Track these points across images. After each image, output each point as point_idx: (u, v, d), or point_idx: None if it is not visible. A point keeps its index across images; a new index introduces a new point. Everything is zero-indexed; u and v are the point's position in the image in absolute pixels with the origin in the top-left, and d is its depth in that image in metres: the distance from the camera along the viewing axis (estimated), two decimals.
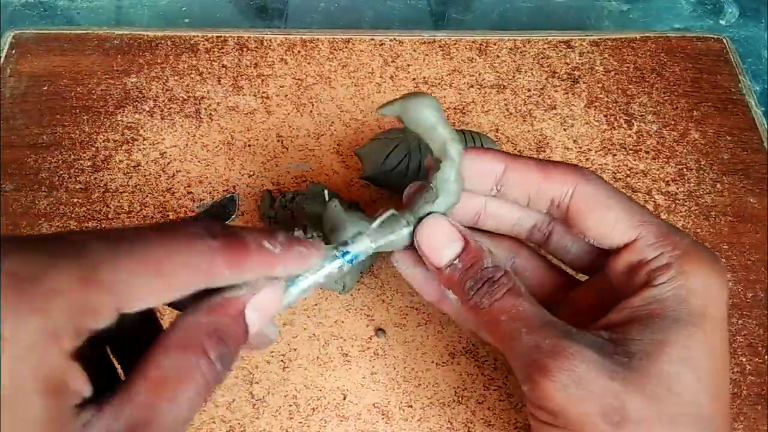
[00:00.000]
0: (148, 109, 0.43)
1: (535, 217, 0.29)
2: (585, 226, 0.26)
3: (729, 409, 0.25)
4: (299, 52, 0.47)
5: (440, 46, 0.47)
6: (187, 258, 0.19)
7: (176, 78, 0.45)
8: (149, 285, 0.18)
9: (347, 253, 0.25)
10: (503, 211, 0.29)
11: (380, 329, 0.36)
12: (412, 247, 0.27)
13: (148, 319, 0.23)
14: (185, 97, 0.44)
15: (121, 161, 0.41)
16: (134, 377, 0.19)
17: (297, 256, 0.22)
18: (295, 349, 0.35)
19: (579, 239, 0.28)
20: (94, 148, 0.42)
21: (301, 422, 0.33)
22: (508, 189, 0.27)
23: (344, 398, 0.33)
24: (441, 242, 0.26)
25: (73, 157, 0.41)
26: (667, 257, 0.25)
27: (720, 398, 0.23)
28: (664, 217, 0.41)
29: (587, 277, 0.30)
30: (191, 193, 0.40)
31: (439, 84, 0.45)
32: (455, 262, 0.26)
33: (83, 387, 0.17)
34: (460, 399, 0.34)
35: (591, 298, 0.28)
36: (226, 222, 0.38)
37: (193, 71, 0.45)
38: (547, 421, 0.23)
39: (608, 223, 0.26)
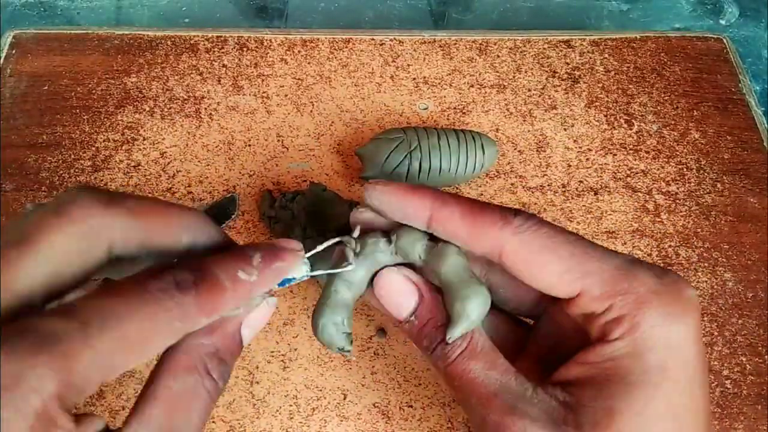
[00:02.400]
0: (148, 109, 0.43)
1: None
2: (523, 278, 0.24)
3: None
4: (299, 52, 0.46)
5: (440, 46, 0.47)
6: (159, 324, 0.19)
7: (176, 78, 0.45)
8: (126, 357, 0.18)
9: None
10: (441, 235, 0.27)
11: (380, 329, 0.36)
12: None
13: None
14: (185, 97, 0.44)
15: (121, 161, 0.41)
16: (147, 400, 0.20)
17: (274, 274, 0.22)
18: (296, 349, 0.35)
19: (516, 289, 0.27)
20: (94, 148, 0.42)
21: (301, 422, 0.33)
22: (438, 234, 0.25)
23: (344, 398, 0.33)
24: (396, 297, 0.25)
25: (73, 157, 0.41)
26: (618, 310, 0.22)
27: None
28: (664, 217, 0.41)
29: None
30: (191, 193, 0.40)
31: (439, 84, 0.45)
32: (412, 318, 0.25)
33: None
34: None
35: (567, 321, 0.26)
36: (227, 222, 0.38)
37: (193, 71, 0.45)
38: None
39: (546, 279, 0.23)
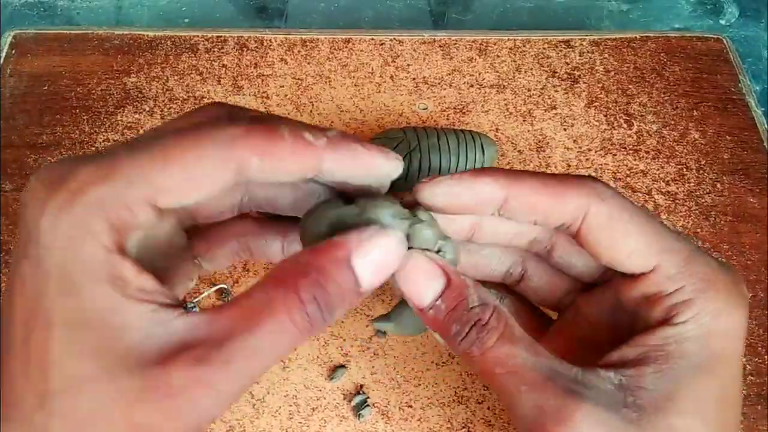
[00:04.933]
0: (148, 109, 0.43)
1: (535, 232, 0.26)
2: (598, 251, 0.23)
3: None
4: (299, 52, 0.47)
5: (440, 46, 0.47)
6: (205, 148, 0.18)
7: (176, 78, 0.45)
8: (171, 177, 0.18)
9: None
10: (501, 227, 0.26)
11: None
12: None
13: None
14: (185, 97, 0.44)
15: None
16: (229, 303, 0.19)
17: (350, 154, 0.20)
18: (295, 349, 0.35)
19: (584, 254, 0.25)
20: (93, 148, 0.42)
21: (300, 422, 0.33)
22: (511, 214, 0.24)
23: (344, 398, 0.33)
24: (420, 281, 0.23)
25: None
26: (689, 291, 0.22)
27: None
28: (664, 217, 0.41)
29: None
30: None
31: (439, 84, 0.45)
32: (437, 302, 0.23)
33: (141, 279, 0.18)
34: (459, 399, 0.34)
35: (597, 312, 0.26)
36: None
37: (193, 71, 0.45)
38: None
39: (624, 250, 0.23)
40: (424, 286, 0.23)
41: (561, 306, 0.28)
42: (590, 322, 0.26)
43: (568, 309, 0.28)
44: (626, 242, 0.23)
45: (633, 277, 0.23)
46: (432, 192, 0.24)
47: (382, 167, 0.21)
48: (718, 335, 0.22)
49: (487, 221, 0.26)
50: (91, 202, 0.17)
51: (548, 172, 0.24)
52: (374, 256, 0.20)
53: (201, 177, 0.19)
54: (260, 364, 0.18)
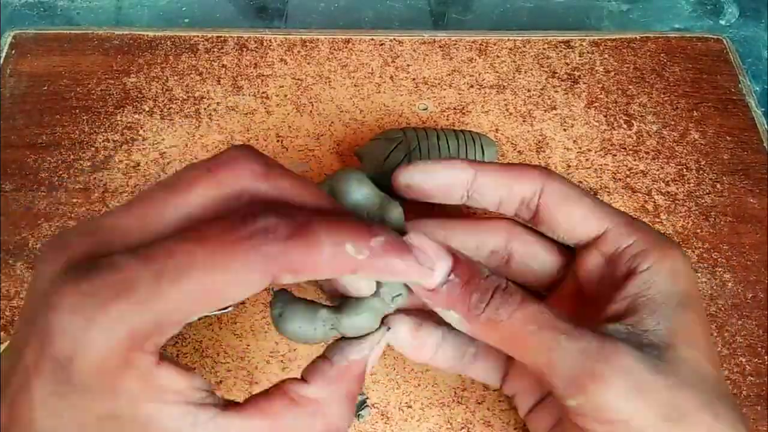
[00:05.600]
0: (147, 109, 0.43)
1: (493, 242, 0.29)
2: (555, 222, 0.27)
3: (724, 379, 0.27)
4: (299, 52, 0.46)
5: (440, 46, 0.47)
6: (236, 275, 0.18)
7: (176, 78, 0.45)
8: (199, 307, 0.18)
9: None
10: (465, 242, 0.29)
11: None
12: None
13: None
14: (185, 97, 0.44)
15: (120, 161, 0.41)
16: (258, 408, 0.20)
17: (387, 268, 0.21)
18: (295, 350, 0.35)
19: (539, 256, 0.29)
20: (93, 148, 0.42)
21: None
22: (479, 195, 0.27)
23: None
24: (432, 259, 0.24)
25: (72, 157, 0.41)
26: (642, 244, 0.25)
27: (719, 370, 0.24)
28: (664, 217, 0.41)
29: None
30: None
31: (438, 84, 0.45)
32: (451, 277, 0.23)
33: (173, 380, 0.19)
34: (459, 399, 0.34)
35: (567, 308, 0.28)
36: None
37: (193, 71, 0.45)
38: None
39: (578, 216, 0.26)
40: (434, 265, 0.23)
41: (549, 286, 0.30)
42: (578, 295, 0.28)
43: (554, 290, 0.29)
44: (578, 209, 0.26)
45: (590, 245, 0.26)
46: (409, 173, 0.27)
47: (413, 276, 0.23)
48: (680, 275, 0.24)
49: (450, 238, 0.28)
50: (127, 337, 0.18)
51: None
52: (376, 356, 0.24)
53: (230, 297, 0.19)
54: None
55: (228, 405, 0.20)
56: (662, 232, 0.40)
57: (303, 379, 0.22)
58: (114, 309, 0.17)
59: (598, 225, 0.26)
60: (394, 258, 0.20)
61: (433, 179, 0.27)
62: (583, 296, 0.28)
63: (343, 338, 0.24)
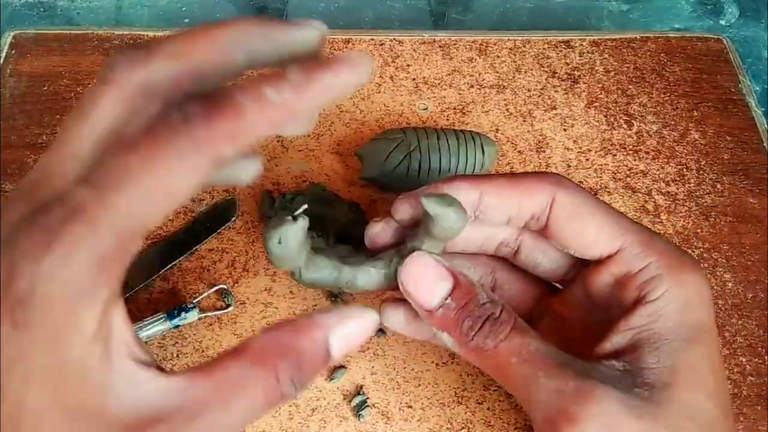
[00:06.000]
0: None
1: (502, 234, 0.27)
2: (566, 237, 0.25)
3: (733, 417, 0.25)
4: None
5: (440, 46, 0.47)
6: (177, 168, 0.17)
7: None
8: (152, 209, 0.18)
9: None
10: (471, 234, 0.27)
11: (380, 329, 0.36)
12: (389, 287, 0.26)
13: None
14: None
15: None
16: (201, 370, 0.19)
17: (319, 92, 0.18)
18: None
19: (548, 252, 0.27)
20: None
21: (300, 423, 0.33)
22: (486, 213, 0.26)
23: (344, 399, 0.33)
24: (429, 282, 0.24)
25: None
26: (656, 267, 0.23)
27: (727, 409, 0.23)
28: (664, 217, 0.41)
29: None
30: None
31: (439, 84, 0.45)
32: (447, 301, 0.24)
33: (125, 332, 0.18)
34: (459, 399, 0.34)
35: (572, 311, 0.27)
36: (227, 225, 0.38)
37: None
38: None
39: (590, 234, 0.24)
40: (432, 287, 0.24)
41: (534, 314, 0.28)
42: (567, 323, 0.27)
43: (543, 316, 0.28)
44: (591, 227, 0.24)
45: (601, 263, 0.25)
46: (404, 206, 0.25)
47: (350, 80, 0.19)
48: (694, 306, 0.23)
49: (484, 204, 0.26)
50: (87, 260, 0.17)
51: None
52: (349, 334, 0.21)
53: (184, 191, 0.18)
54: None
55: (168, 371, 0.19)
56: (663, 232, 0.40)
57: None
58: (67, 234, 0.17)
59: (612, 244, 0.24)
60: (319, 75, 0.18)
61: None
62: (590, 313, 0.26)
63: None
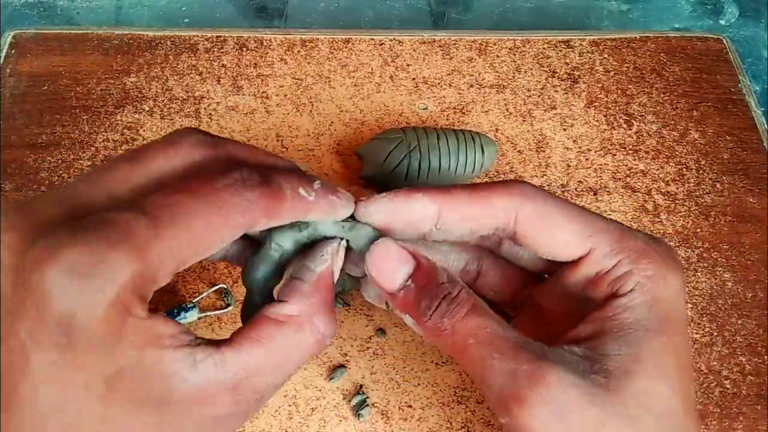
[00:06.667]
0: (147, 109, 0.43)
1: (482, 229, 0.27)
2: (534, 245, 0.25)
3: (697, 414, 0.24)
4: (299, 52, 0.47)
5: (440, 46, 0.47)
6: (224, 218, 0.20)
7: (176, 78, 0.45)
8: (193, 249, 0.20)
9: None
10: (449, 227, 0.27)
11: (380, 329, 0.36)
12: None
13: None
14: (185, 96, 0.44)
15: None
16: (249, 339, 0.21)
17: (327, 205, 0.24)
18: None
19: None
20: (93, 148, 0.42)
21: (300, 422, 0.33)
22: (447, 228, 0.26)
23: (344, 398, 0.33)
24: (391, 266, 0.24)
25: (72, 156, 0.41)
26: (626, 264, 0.23)
27: (690, 405, 0.23)
28: (663, 217, 0.41)
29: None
30: None
31: (438, 84, 0.45)
32: (408, 283, 0.24)
33: (169, 328, 0.20)
34: (459, 399, 0.34)
35: (550, 302, 0.27)
36: None
37: (193, 71, 0.45)
38: None
39: (559, 240, 0.24)
40: (393, 269, 0.24)
41: (517, 303, 0.29)
42: (545, 313, 0.27)
43: (525, 305, 0.28)
44: (559, 233, 0.24)
45: (573, 264, 0.25)
46: (367, 209, 0.25)
47: (343, 211, 0.25)
48: (662, 300, 0.23)
49: (443, 219, 0.26)
50: (122, 289, 0.18)
51: (485, 181, 0.27)
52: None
53: (218, 241, 0.21)
54: (275, 390, 0.22)
55: (218, 343, 0.21)
56: (662, 232, 0.40)
57: (281, 301, 0.23)
58: (114, 259, 0.18)
59: (581, 247, 0.24)
60: (331, 194, 0.24)
61: (393, 215, 0.25)
62: (566, 306, 0.26)
63: (306, 258, 0.25)
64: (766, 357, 0.36)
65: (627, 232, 0.25)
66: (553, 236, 0.24)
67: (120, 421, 0.19)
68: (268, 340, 0.21)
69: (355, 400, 0.33)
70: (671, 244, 0.40)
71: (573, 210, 0.25)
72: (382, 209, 0.25)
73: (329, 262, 0.24)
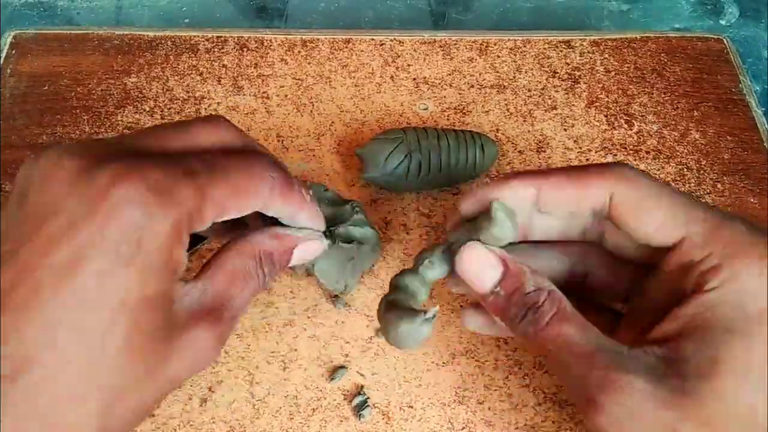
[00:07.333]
0: (148, 109, 0.43)
1: (583, 221, 0.27)
2: (630, 229, 0.25)
3: None
4: (299, 52, 0.46)
5: (440, 46, 0.47)
6: (259, 187, 0.24)
7: (176, 78, 0.45)
8: (235, 202, 0.23)
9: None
10: (551, 222, 0.27)
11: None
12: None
13: None
14: (185, 97, 0.44)
15: None
16: (215, 268, 0.24)
17: (314, 214, 0.28)
18: (296, 350, 0.35)
19: (629, 237, 0.26)
20: None
21: (301, 423, 0.33)
22: (547, 208, 0.26)
23: (345, 399, 0.33)
24: (481, 270, 0.25)
25: None
26: (717, 257, 0.23)
27: None
28: None
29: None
30: None
31: (439, 84, 0.45)
32: (497, 289, 0.25)
33: (185, 261, 0.22)
34: (460, 399, 0.34)
35: (650, 295, 0.27)
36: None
37: (193, 71, 0.45)
38: None
39: (652, 225, 0.24)
40: (483, 275, 0.25)
41: (628, 297, 0.29)
42: (654, 305, 0.26)
43: (633, 300, 0.28)
44: (652, 217, 0.24)
45: (668, 251, 0.25)
46: (469, 203, 0.27)
47: (319, 223, 0.29)
48: (754, 296, 0.22)
49: (536, 219, 0.27)
50: (183, 215, 0.21)
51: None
52: (306, 248, 0.28)
53: (250, 204, 0.24)
54: (241, 314, 0.25)
55: (196, 278, 0.24)
56: None
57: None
58: (183, 187, 0.21)
59: (673, 234, 0.24)
60: (315, 207, 0.28)
61: (500, 192, 0.26)
62: (659, 301, 0.26)
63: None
64: None
65: (725, 222, 0.24)
66: (646, 220, 0.24)
67: (138, 347, 0.21)
68: (230, 266, 0.25)
69: (356, 400, 0.33)
70: None
71: (672, 195, 0.25)
72: (484, 198, 0.26)
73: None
